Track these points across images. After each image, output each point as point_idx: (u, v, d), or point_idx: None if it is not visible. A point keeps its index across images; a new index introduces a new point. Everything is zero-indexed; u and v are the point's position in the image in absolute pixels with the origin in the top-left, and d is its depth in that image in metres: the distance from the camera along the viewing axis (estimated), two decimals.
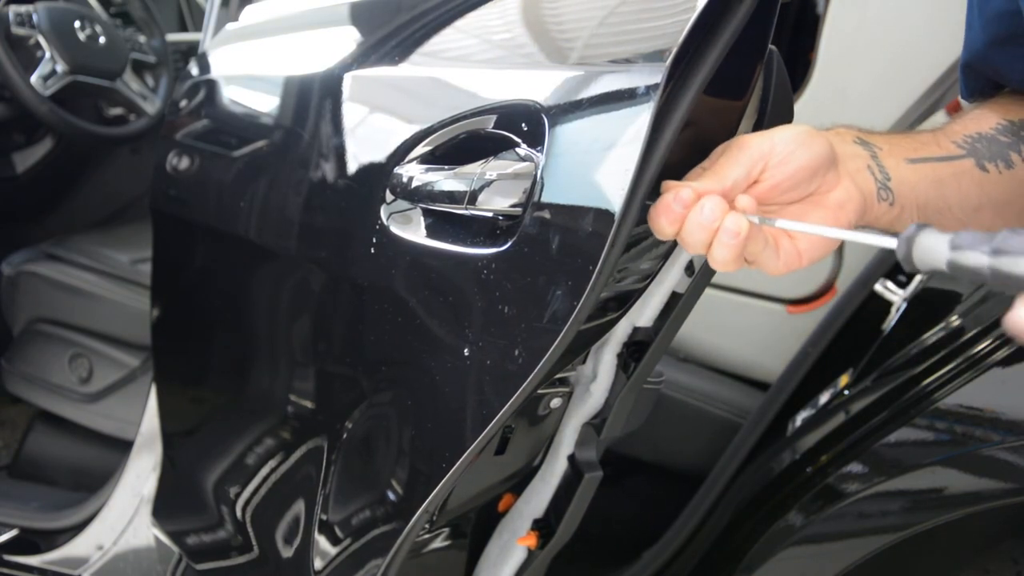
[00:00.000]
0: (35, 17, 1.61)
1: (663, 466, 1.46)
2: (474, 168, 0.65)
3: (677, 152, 0.56)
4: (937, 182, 0.59)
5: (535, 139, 0.61)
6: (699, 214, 0.51)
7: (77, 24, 1.69)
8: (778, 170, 0.53)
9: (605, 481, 0.85)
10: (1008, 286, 0.39)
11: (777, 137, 0.53)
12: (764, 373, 1.52)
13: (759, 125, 0.61)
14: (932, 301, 1.14)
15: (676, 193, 0.52)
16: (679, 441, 1.44)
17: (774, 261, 0.54)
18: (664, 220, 0.53)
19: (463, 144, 0.69)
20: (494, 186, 0.63)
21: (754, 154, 0.53)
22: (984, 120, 0.64)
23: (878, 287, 1.28)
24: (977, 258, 0.39)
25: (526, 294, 0.61)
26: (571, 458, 0.85)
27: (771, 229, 0.54)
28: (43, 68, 1.61)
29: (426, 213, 0.71)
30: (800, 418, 1.19)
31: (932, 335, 0.99)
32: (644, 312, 0.74)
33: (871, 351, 1.14)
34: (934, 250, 0.42)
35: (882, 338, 1.16)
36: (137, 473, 1.30)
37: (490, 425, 0.65)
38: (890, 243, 0.45)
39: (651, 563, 1.21)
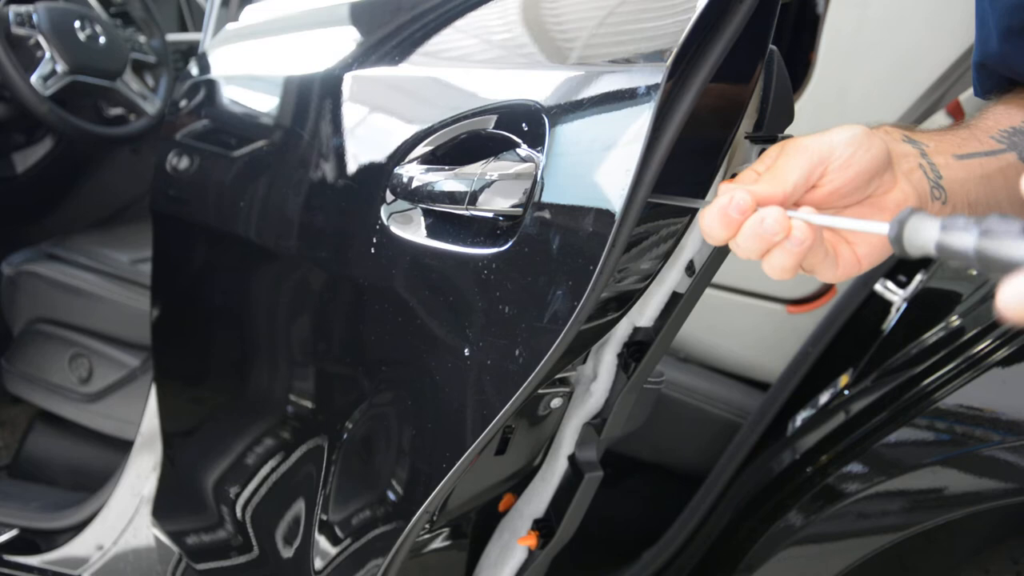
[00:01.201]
0: (35, 17, 1.61)
1: (663, 466, 1.46)
2: (475, 168, 0.65)
3: (676, 151, 0.56)
4: (985, 178, 0.58)
5: (536, 139, 0.61)
6: (759, 225, 0.48)
7: (77, 24, 1.69)
8: (839, 174, 0.51)
9: (605, 481, 0.85)
10: (993, 269, 0.38)
11: (836, 139, 0.51)
12: (764, 373, 1.52)
13: (759, 125, 0.61)
14: (932, 301, 1.14)
15: (732, 198, 0.49)
16: (679, 441, 1.44)
17: (832, 270, 0.52)
18: (718, 225, 0.50)
19: (463, 144, 0.69)
20: (495, 186, 0.63)
21: (813, 157, 0.50)
22: (1012, 116, 0.63)
23: (878, 287, 1.28)
24: (965, 241, 0.39)
25: (527, 294, 0.61)
26: (571, 458, 0.85)
27: (829, 236, 0.52)
28: (43, 68, 1.61)
29: (426, 213, 0.71)
30: (800, 418, 1.19)
31: (932, 335, 0.99)
32: (644, 312, 0.74)
33: (871, 351, 1.14)
34: (924, 233, 0.41)
35: (882, 338, 1.16)
36: (137, 473, 1.30)
37: (490, 425, 0.65)
38: (881, 228, 0.44)
39: (651, 563, 1.21)
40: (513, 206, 0.62)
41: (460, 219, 0.68)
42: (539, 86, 0.63)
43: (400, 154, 0.74)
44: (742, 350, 1.57)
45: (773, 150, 0.53)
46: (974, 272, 1.05)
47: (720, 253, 0.69)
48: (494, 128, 0.66)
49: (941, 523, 0.81)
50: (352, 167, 0.80)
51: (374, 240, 0.75)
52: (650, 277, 0.65)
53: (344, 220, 0.81)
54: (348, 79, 0.84)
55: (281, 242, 0.91)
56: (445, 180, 0.68)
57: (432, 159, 0.71)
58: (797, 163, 0.51)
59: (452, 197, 0.67)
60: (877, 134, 0.53)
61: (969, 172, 0.57)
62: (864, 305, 1.28)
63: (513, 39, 0.70)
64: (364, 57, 0.85)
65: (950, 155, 0.57)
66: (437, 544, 0.87)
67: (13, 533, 1.37)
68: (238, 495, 1.04)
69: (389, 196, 0.74)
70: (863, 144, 0.51)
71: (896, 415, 0.89)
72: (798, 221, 0.48)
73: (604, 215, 0.55)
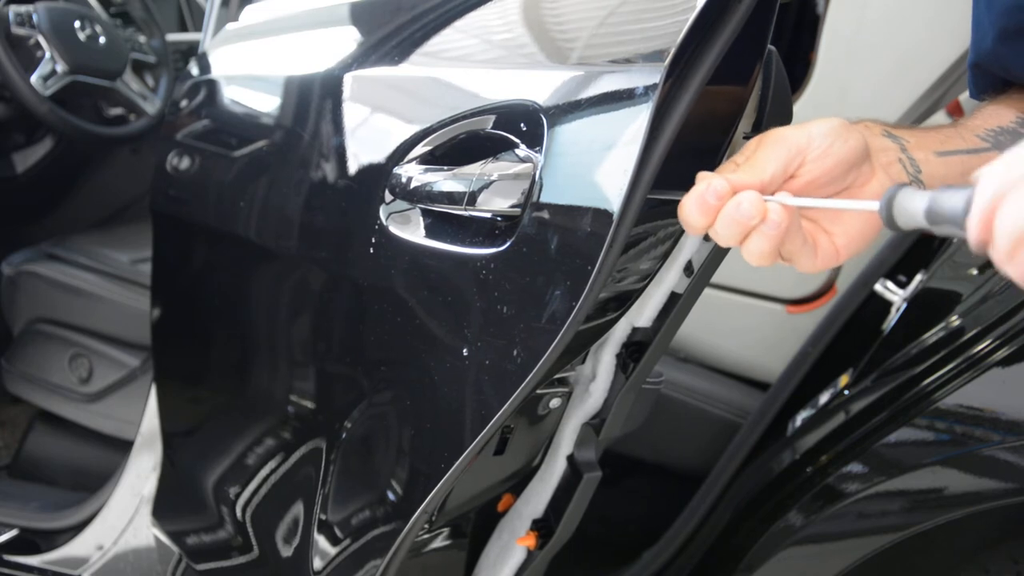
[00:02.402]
0: (35, 17, 1.61)
1: (663, 466, 1.46)
2: (473, 169, 0.65)
3: (675, 152, 0.56)
4: (966, 176, 0.57)
5: (534, 139, 0.61)
6: (735, 209, 0.49)
7: (77, 24, 1.69)
8: (816, 164, 0.52)
9: (604, 481, 0.85)
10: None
11: (814, 130, 0.52)
12: (764, 373, 1.52)
13: (758, 125, 0.61)
14: (932, 301, 1.14)
15: (710, 184, 0.50)
16: (679, 441, 1.44)
17: (811, 259, 0.53)
18: (696, 211, 0.51)
19: (462, 144, 0.69)
20: (493, 187, 0.63)
21: (792, 148, 0.51)
22: (1001, 115, 0.64)
23: (878, 287, 1.28)
24: (953, 208, 0.39)
25: (525, 294, 0.61)
26: (570, 458, 0.85)
27: (808, 226, 0.53)
28: (43, 68, 1.61)
29: (425, 213, 0.71)
30: (800, 418, 1.19)
31: (932, 335, 0.99)
32: (643, 312, 0.74)
33: (871, 351, 1.13)
34: (913, 207, 0.42)
35: (882, 338, 1.16)
36: (137, 473, 1.30)
37: (489, 425, 0.65)
38: (872, 206, 0.45)
39: (651, 563, 1.21)
40: (511, 206, 0.62)
41: (459, 219, 0.68)
42: (537, 86, 0.63)
43: (399, 154, 0.74)
44: (742, 350, 1.56)
45: (753, 141, 0.54)
46: (974, 272, 1.05)
47: (718, 253, 0.69)
48: (492, 128, 0.66)
49: (941, 523, 0.81)
50: (351, 167, 0.80)
51: (373, 240, 0.75)
52: (648, 277, 0.65)
53: (343, 220, 0.81)
54: (348, 79, 0.84)
55: (280, 242, 0.91)
56: (444, 180, 0.68)
57: (431, 159, 0.71)
58: (775, 153, 0.51)
59: (451, 197, 0.67)
60: (856, 127, 0.54)
61: (949, 169, 0.58)
62: (864, 305, 1.28)
63: (512, 39, 0.70)
64: (364, 57, 0.85)
65: (931, 151, 0.58)
66: (436, 544, 0.87)
67: (13, 533, 1.37)
68: (238, 495, 1.04)
69: (388, 196, 0.74)
70: (841, 135, 0.52)
71: (896, 415, 0.89)
72: (774, 205, 0.49)
73: (602, 215, 0.55)
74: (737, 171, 0.52)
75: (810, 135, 0.52)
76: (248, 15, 1.20)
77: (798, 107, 1.37)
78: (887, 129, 0.58)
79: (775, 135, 0.53)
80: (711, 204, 0.50)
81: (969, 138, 0.61)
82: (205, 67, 1.17)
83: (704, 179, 0.51)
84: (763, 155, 0.52)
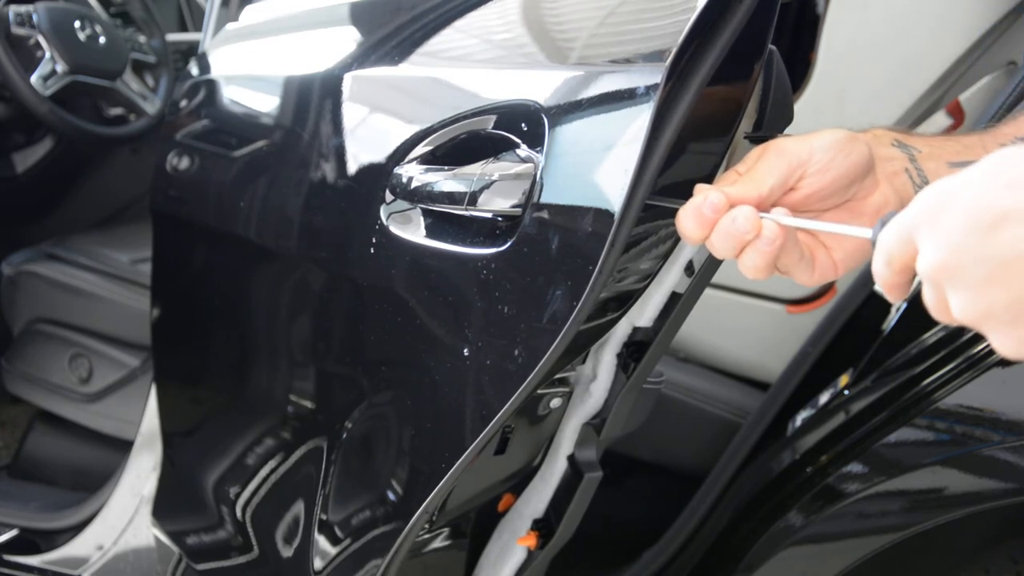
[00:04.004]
0: (35, 17, 1.61)
1: (663, 466, 1.46)
2: (474, 169, 0.65)
3: (676, 152, 0.56)
4: None
5: (535, 139, 0.61)
6: (731, 224, 0.50)
7: (77, 24, 1.69)
8: (816, 178, 0.52)
9: (605, 481, 0.85)
10: None
11: (816, 143, 0.52)
12: (764, 373, 1.52)
13: (759, 125, 0.61)
14: None
15: (706, 197, 0.50)
16: (679, 441, 1.44)
17: (808, 273, 0.53)
18: (693, 223, 0.51)
19: (463, 144, 0.69)
20: (494, 187, 0.63)
21: (792, 161, 0.51)
22: None
23: (878, 287, 1.27)
24: None
25: (526, 294, 0.61)
26: (571, 458, 0.85)
27: (806, 240, 0.53)
28: (43, 68, 1.61)
29: (426, 213, 0.71)
30: (800, 418, 1.19)
31: (932, 335, 0.99)
32: (644, 312, 0.74)
33: (871, 351, 1.13)
34: None
35: (882, 338, 1.16)
36: (137, 473, 1.30)
37: (490, 425, 0.65)
38: (865, 233, 0.45)
39: (651, 563, 1.21)
40: (512, 206, 0.62)
41: (459, 219, 0.68)
42: (538, 86, 0.63)
43: (400, 154, 0.74)
44: (742, 350, 1.56)
45: (755, 152, 0.54)
46: None
47: None
48: (493, 128, 0.66)
49: (941, 523, 0.81)
50: (352, 167, 0.80)
51: (373, 240, 0.75)
52: (649, 277, 0.65)
53: (344, 220, 0.81)
54: (348, 79, 0.84)
55: (281, 242, 0.91)
56: (444, 180, 0.68)
57: (432, 159, 0.71)
58: (775, 166, 0.52)
59: (451, 197, 0.67)
60: (862, 138, 0.54)
61: None
62: (864, 305, 1.28)
63: (513, 39, 0.70)
64: (364, 57, 0.85)
65: (944, 161, 0.57)
66: (436, 544, 0.87)
67: (13, 533, 1.37)
68: (238, 495, 1.04)
69: (389, 196, 0.74)
70: (843, 149, 0.52)
71: (896, 415, 0.89)
72: (768, 222, 0.49)
73: (603, 215, 0.55)
74: (736, 183, 0.52)
75: (812, 148, 0.52)
76: (248, 15, 1.20)
77: (798, 107, 1.37)
78: (899, 138, 0.57)
79: (777, 146, 0.53)
80: (707, 217, 0.50)
81: (992, 147, 0.58)
82: (205, 67, 1.17)
83: (701, 191, 0.51)
84: (763, 167, 0.52)
